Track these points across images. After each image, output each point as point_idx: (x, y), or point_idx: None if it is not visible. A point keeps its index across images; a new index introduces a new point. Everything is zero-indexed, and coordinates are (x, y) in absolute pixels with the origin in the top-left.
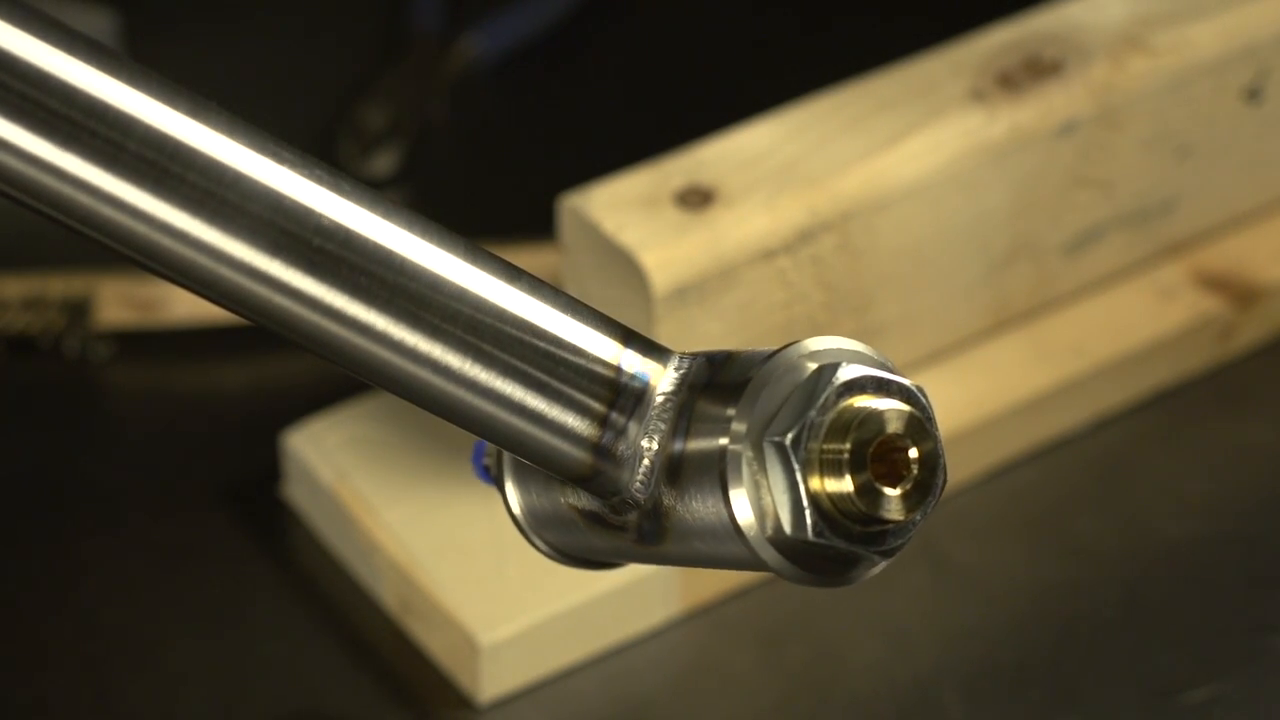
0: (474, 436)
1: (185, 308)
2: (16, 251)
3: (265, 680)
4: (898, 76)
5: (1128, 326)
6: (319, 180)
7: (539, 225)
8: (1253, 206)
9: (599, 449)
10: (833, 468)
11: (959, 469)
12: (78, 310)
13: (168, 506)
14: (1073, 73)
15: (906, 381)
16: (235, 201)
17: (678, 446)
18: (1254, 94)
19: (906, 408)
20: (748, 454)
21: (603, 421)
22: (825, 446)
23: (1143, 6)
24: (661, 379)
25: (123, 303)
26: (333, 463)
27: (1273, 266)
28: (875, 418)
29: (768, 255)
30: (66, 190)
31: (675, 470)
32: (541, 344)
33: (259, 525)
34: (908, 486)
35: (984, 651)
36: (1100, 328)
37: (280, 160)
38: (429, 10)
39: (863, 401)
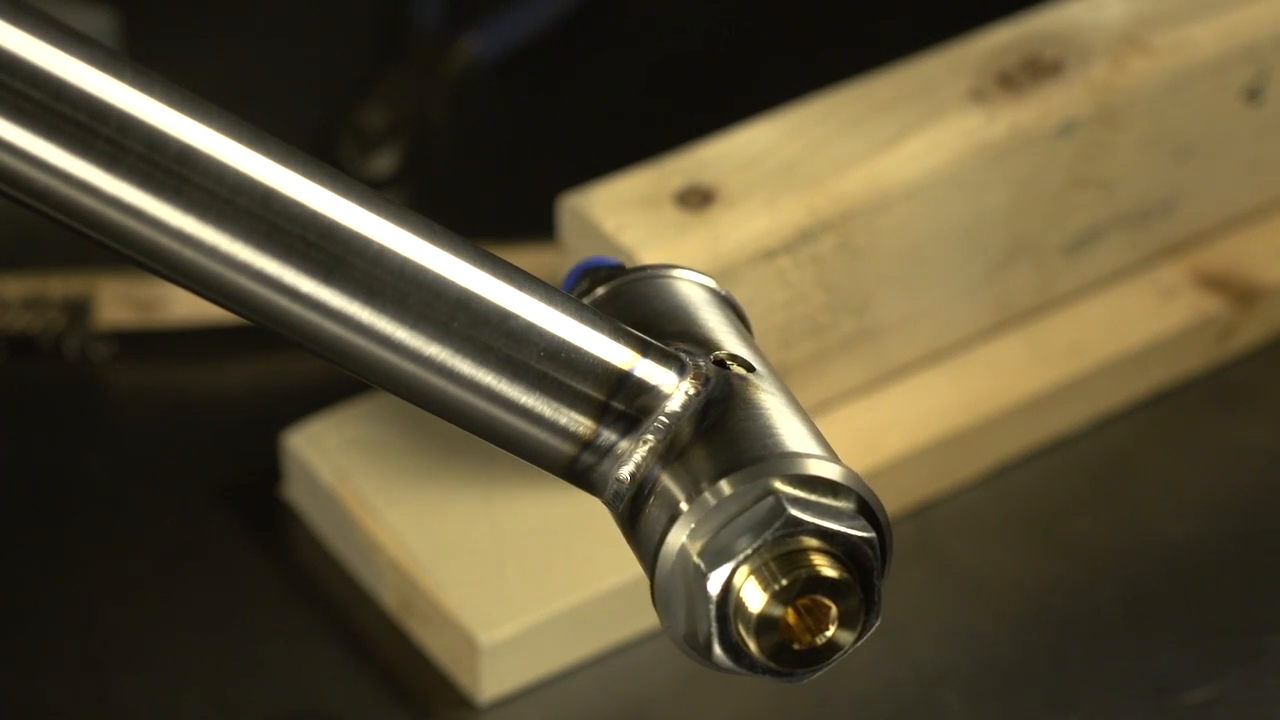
0: (473, 436)
1: (185, 308)
2: (16, 251)
3: (265, 680)
4: (898, 76)
5: (1128, 326)
6: (322, 182)
7: (539, 225)
8: (1253, 206)
9: (586, 452)
10: (764, 580)
11: (959, 469)
12: (78, 310)
13: (168, 506)
14: (1073, 73)
15: (857, 533)
16: (237, 203)
17: (654, 475)
18: (1254, 94)
19: (839, 575)
20: (685, 561)
21: (594, 434)
22: (771, 562)
23: (1143, 6)
24: (664, 404)
25: (123, 303)
26: (333, 463)
27: (1273, 266)
28: (808, 579)
29: (768, 255)
30: (69, 192)
31: (644, 498)
32: (538, 361)
33: (259, 525)
34: (809, 647)
35: (984, 651)
36: (1100, 328)
37: (284, 162)
38: (429, 10)
39: (817, 551)
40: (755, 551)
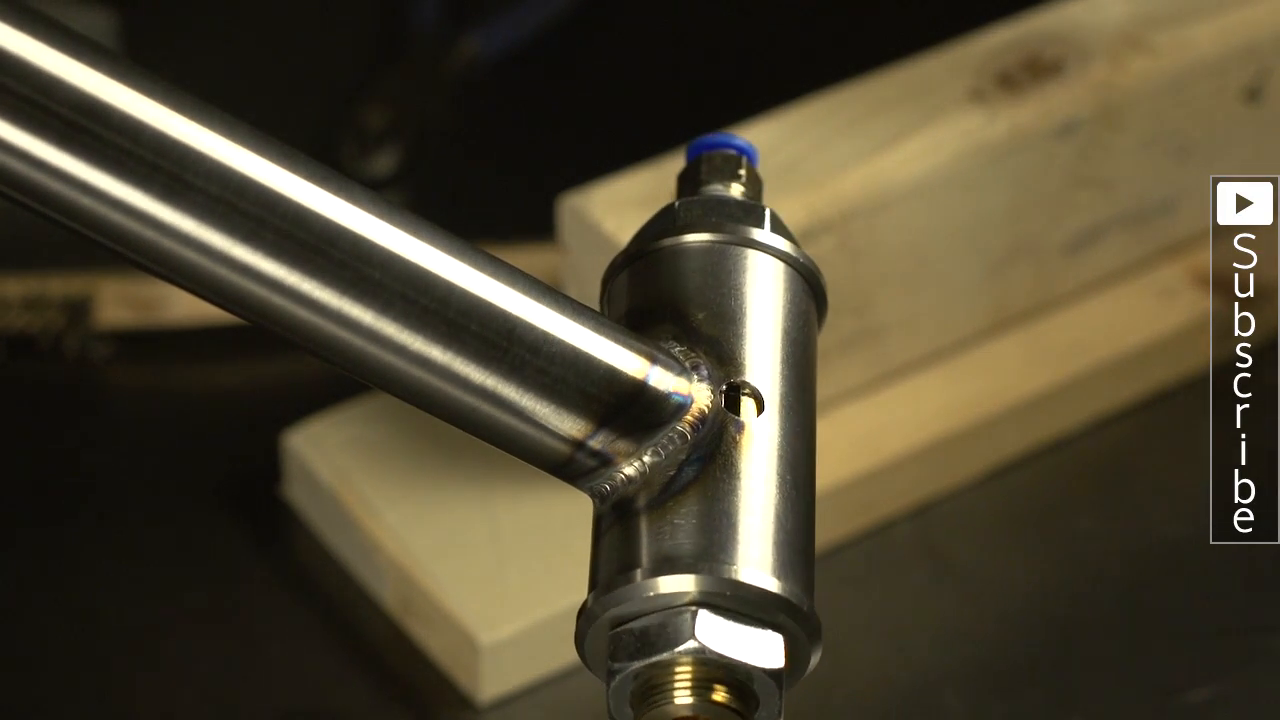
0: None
1: (185, 308)
2: (16, 251)
3: (265, 680)
4: (898, 76)
5: (1128, 326)
6: (331, 188)
7: (539, 225)
8: None
9: (579, 454)
10: (659, 688)
11: (959, 469)
12: (78, 310)
13: (168, 506)
14: (1073, 73)
15: (760, 665)
16: (242, 207)
17: (625, 506)
18: (1254, 94)
19: (729, 704)
20: (603, 631)
21: (584, 444)
22: (671, 674)
23: (1143, 6)
24: (652, 441)
25: (123, 303)
26: (333, 463)
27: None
28: (698, 703)
29: None
30: (73, 195)
31: (608, 523)
32: (542, 370)
33: (259, 525)
34: None
35: (984, 651)
36: (1100, 328)
37: (289, 166)
38: (429, 10)
39: (719, 674)
40: (658, 662)
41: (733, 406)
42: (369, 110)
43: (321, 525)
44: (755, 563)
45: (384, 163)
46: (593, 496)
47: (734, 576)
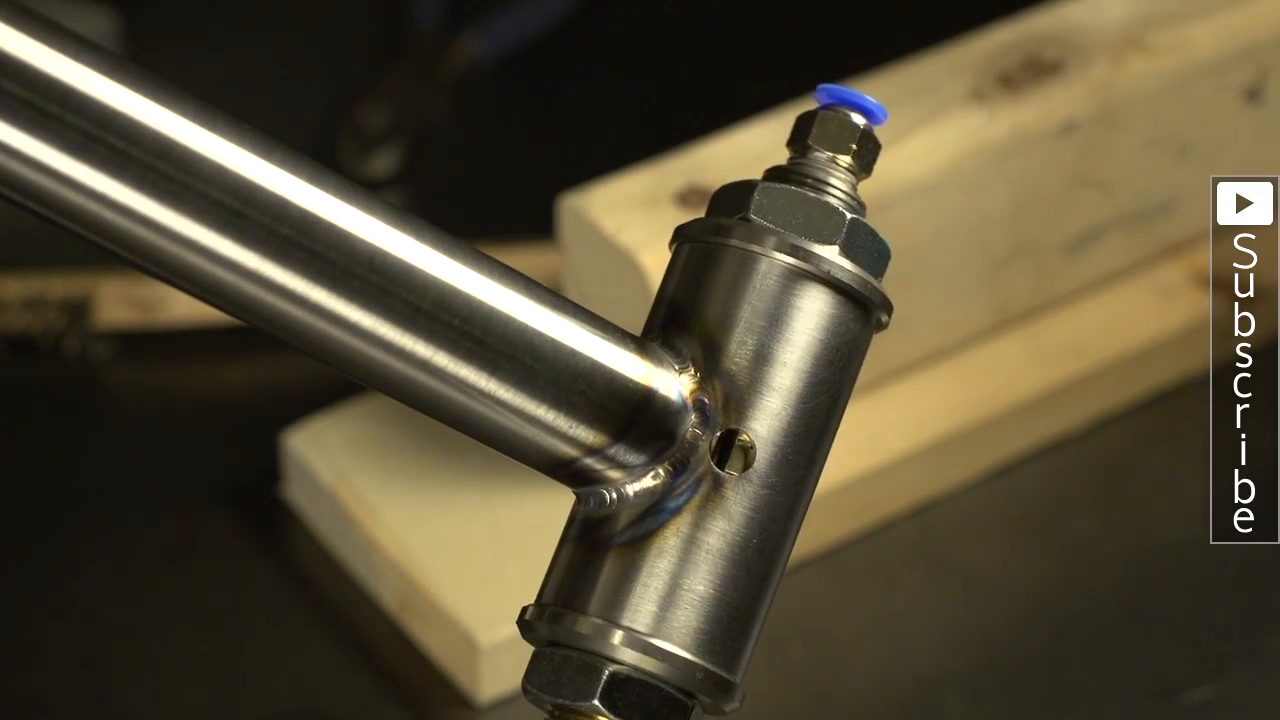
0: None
1: (185, 308)
2: (16, 251)
3: (265, 680)
4: (898, 76)
5: (1128, 326)
6: (347, 199)
7: (539, 225)
8: None
9: (574, 463)
10: None
11: (959, 469)
12: (78, 310)
13: (168, 506)
14: (1073, 73)
15: None
16: (245, 213)
17: (604, 534)
18: (1254, 94)
19: None
20: (539, 638)
21: (577, 457)
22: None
23: (1143, 6)
24: (632, 479)
25: (123, 303)
26: (333, 463)
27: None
28: None
29: None
30: (72, 198)
31: (571, 535)
32: (548, 381)
33: (259, 525)
34: None
35: (984, 651)
36: (1100, 328)
37: (295, 172)
38: (429, 10)
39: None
40: (559, 707)
41: (723, 455)
42: (369, 110)
43: (321, 525)
44: (680, 637)
45: (384, 163)
46: (575, 493)
47: (655, 655)
